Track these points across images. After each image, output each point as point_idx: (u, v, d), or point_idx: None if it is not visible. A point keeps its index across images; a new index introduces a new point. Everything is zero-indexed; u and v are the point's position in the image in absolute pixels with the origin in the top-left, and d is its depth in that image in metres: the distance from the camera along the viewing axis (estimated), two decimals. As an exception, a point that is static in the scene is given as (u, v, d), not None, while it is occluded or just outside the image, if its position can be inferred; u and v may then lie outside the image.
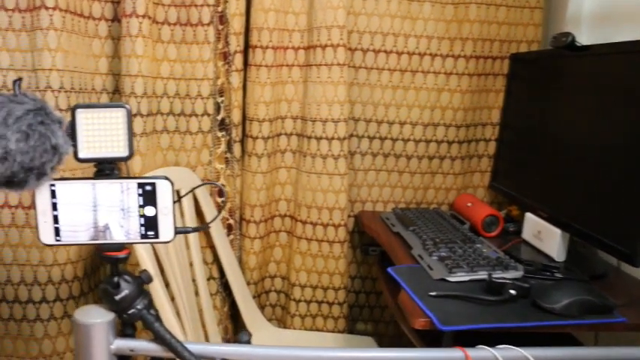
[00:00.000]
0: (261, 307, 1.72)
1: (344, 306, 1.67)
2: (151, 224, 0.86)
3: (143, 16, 1.38)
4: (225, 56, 1.50)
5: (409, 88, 1.62)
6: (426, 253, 1.32)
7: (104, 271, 1.58)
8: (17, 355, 1.46)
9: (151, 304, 0.91)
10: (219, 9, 1.48)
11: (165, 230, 0.87)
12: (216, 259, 1.59)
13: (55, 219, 0.84)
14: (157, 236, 0.87)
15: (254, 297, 1.67)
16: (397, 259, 1.33)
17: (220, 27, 1.49)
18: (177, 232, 0.88)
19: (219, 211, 0.89)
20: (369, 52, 1.59)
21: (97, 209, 0.85)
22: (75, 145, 0.82)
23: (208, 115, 1.52)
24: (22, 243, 1.41)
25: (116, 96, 1.49)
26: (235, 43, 1.49)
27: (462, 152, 1.68)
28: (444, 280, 1.19)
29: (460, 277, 1.19)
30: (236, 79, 1.51)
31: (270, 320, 1.73)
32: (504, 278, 1.14)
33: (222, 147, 1.55)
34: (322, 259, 1.62)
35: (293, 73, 1.57)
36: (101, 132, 0.83)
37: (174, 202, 0.87)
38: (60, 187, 0.83)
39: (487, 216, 1.51)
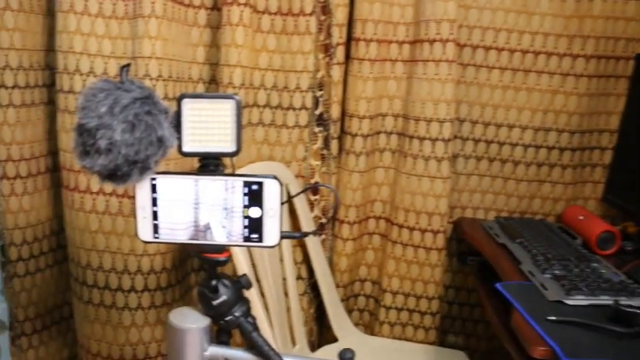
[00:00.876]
0: (349, 311, 1.63)
1: (436, 316, 1.55)
2: (255, 226, 0.78)
3: (244, 5, 1.31)
4: (327, 48, 1.41)
5: (521, 89, 1.48)
6: (538, 270, 1.18)
7: (191, 263, 1.52)
8: (106, 341, 1.43)
9: (249, 311, 0.84)
10: (323, -1, 1.39)
11: (271, 234, 0.78)
12: (306, 259, 1.50)
13: (155, 215, 0.78)
14: (260, 240, 0.79)
15: (342, 300, 1.58)
16: (504, 274, 1.20)
17: (322, 18, 1.40)
18: (284, 236, 0.80)
19: (333, 216, 0.80)
20: (479, 48, 1.46)
21: (198, 207, 0.77)
22: (179, 138, 0.74)
23: (306, 109, 1.43)
24: (115, 231, 1.38)
25: (212, 86, 1.43)
26: (338, 35, 1.39)
27: (574, 160, 1.52)
28: (560, 302, 1.06)
29: (579, 300, 1.06)
30: (337, 73, 1.42)
31: (356, 325, 1.64)
32: (631, 306, 0.99)
33: (319, 143, 1.46)
34: (417, 266, 1.51)
35: (396, 68, 1.46)
36: (208, 124, 0.76)
37: (282, 204, 0.78)
38: (161, 181, 0.76)
39: (603, 232, 1.36)
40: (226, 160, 0.79)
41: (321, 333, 1.62)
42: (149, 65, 1.26)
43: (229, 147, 0.76)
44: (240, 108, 0.75)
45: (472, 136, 1.51)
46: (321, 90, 1.43)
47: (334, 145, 1.47)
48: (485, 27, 1.45)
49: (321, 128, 1.45)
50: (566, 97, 1.47)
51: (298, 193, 0.85)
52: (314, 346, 1.58)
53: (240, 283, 0.83)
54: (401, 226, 1.50)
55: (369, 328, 1.64)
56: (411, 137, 1.45)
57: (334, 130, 1.45)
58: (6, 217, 1.44)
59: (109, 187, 0.65)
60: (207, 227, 0.78)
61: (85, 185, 1.35)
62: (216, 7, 1.38)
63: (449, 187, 1.46)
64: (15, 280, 1.49)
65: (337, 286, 1.56)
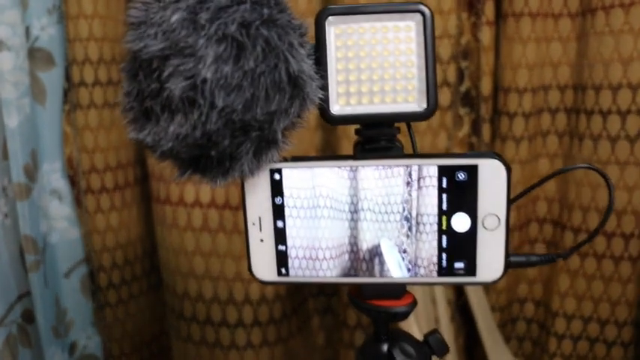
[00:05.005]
0: (506, 340, 1.21)
1: (629, 348, 1.10)
2: (460, 248, 0.40)
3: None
4: (471, 5, 1.01)
5: None
6: None
7: (308, 286, 1.16)
8: (212, 388, 1.09)
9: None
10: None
11: (489, 260, 0.40)
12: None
13: (280, 235, 0.41)
14: (470, 271, 0.40)
15: (498, 326, 1.17)
16: None
17: (463, -36, 1.00)
18: (513, 264, 0.41)
19: (605, 220, 0.43)
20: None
21: (358, 218, 0.40)
22: (324, 87, 0.37)
23: (448, 85, 1.03)
24: (216, 251, 1.04)
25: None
26: (487, -15, 0.99)
27: None
28: None
29: None
30: (487, 36, 1.01)
31: (515, 356, 1.22)
32: None
33: (466, 128, 1.06)
34: (601, 282, 1.07)
35: (561, 25, 1.04)
36: (373, 63, 0.38)
37: (510, 204, 0.40)
38: (291, 175, 0.39)
39: None
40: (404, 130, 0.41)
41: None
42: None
43: (414, 103, 0.38)
44: (432, 29, 0.37)
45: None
46: (466, 60, 1.03)
47: (486, 129, 1.05)
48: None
49: (467, 109, 1.05)
50: None
51: (540, 183, 0.46)
52: (464, 385, 1.18)
53: (427, 346, 0.45)
54: (577, 230, 1.07)
55: (532, 360, 1.21)
56: (590, 112, 1.02)
57: (485, 110, 1.04)
58: (93, 238, 1.13)
59: (196, 184, 0.33)
60: (375, 253, 0.40)
61: (177, 196, 1.02)
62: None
63: (647, 176, 1.02)
64: (107, 310, 1.18)
65: (493, 309, 1.14)
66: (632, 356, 1.11)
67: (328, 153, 1.05)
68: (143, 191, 1.17)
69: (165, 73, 0.31)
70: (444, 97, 1.03)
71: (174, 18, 0.31)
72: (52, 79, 1.10)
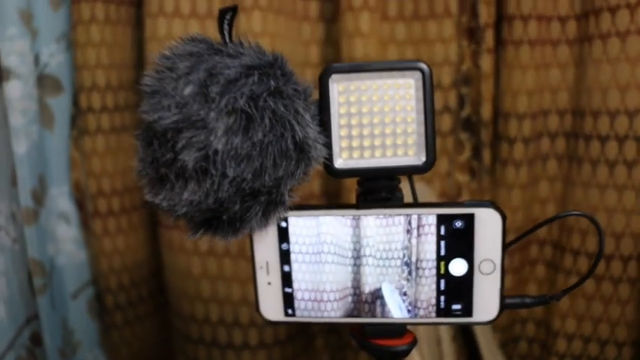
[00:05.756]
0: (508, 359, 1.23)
1: (628, 367, 1.13)
2: (457, 291, 0.42)
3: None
4: (472, 33, 1.04)
5: None
6: None
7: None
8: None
9: None
10: (464, -30, 1.02)
11: (485, 302, 0.42)
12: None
13: (286, 279, 0.43)
14: (467, 312, 0.42)
15: (500, 346, 1.18)
16: None
17: (464, -7, 1.03)
18: (508, 305, 0.43)
19: (598, 261, 0.45)
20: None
21: (360, 263, 0.42)
22: (327, 145, 0.40)
23: (449, 111, 1.06)
24: (222, 275, 1.06)
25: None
26: (486, 14, 1.02)
27: None
28: None
29: None
30: (487, 63, 1.03)
31: (516, 376, 1.24)
32: None
33: (467, 153, 1.08)
34: (600, 303, 1.09)
35: (559, 52, 1.07)
36: (374, 118, 0.41)
37: (506, 249, 0.42)
38: (297, 223, 0.42)
39: None
40: (404, 181, 0.44)
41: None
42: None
43: (414, 157, 0.40)
44: (430, 86, 0.39)
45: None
46: (466, 86, 1.06)
47: (486, 153, 1.08)
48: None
49: (468, 134, 1.08)
50: None
51: (532, 230, 0.48)
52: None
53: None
54: (577, 253, 1.09)
55: (534, 380, 1.23)
56: (588, 137, 1.04)
57: (486, 135, 1.06)
58: (100, 260, 1.16)
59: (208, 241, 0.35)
60: (377, 296, 0.43)
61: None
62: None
63: (645, 199, 1.05)
64: (113, 331, 1.20)
65: (494, 329, 1.16)
66: (632, 377, 1.13)
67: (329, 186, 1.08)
68: (149, 214, 1.19)
69: (179, 145, 0.34)
70: (445, 122, 1.06)
71: (187, 91, 0.33)
72: (60, 105, 1.13)
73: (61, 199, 1.17)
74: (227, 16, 0.36)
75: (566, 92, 1.07)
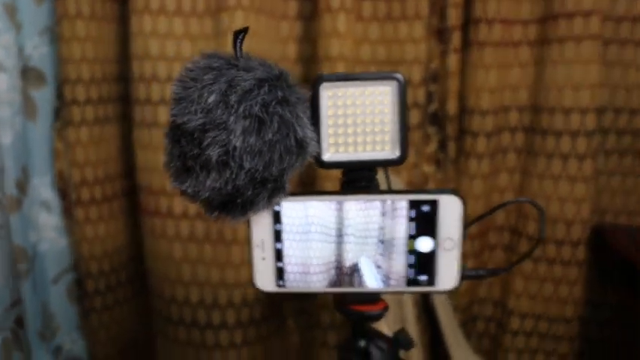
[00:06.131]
0: (467, 337, 1.32)
1: (575, 342, 1.23)
2: (423, 264, 0.50)
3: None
4: (441, 34, 1.12)
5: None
6: None
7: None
8: (196, 386, 1.18)
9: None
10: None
11: (447, 273, 0.50)
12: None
13: (278, 254, 0.51)
14: (431, 282, 0.51)
15: (459, 325, 1.28)
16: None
17: (434, -3, 1.11)
18: (465, 276, 0.52)
19: (536, 245, 0.53)
20: (624, 21, 1.14)
21: (342, 241, 0.50)
22: (318, 141, 0.48)
23: (418, 106, 1.14)
24: (202, 259, 1.13)
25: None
26: (454, 17, 1.10)
27: None
28: None
29: None
30: (454, 62, 1.12)
31: (475, 352, 1.33)
32: None
33: (434, 145, 1.17)
34: (551, 284, 1.20)
35: (520, 53, 1.16)
36: (357, 119, 0.48)
37: (465, 230, 0.50)
38: (288, 207, 0.49)
39: None
40: (379, 172, 0.51)
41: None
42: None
43: (390, 152, 0.48)
44: (404, 93, 0.47)
45: (615, 127, 1.18)
46: (435, 83, 1.14)
47: (452, 146, 1.17)
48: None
49: (435, 128, 1.16)
50: None
51: (488, 214, 0.56)
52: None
53: (397, 342, 0.56)
54: (531, 238, 1.19)
55: (491, 356, 1.33)
56: (544, 132, 1.14)
57: (451, 129, 1.15)
58: (81, 246, 1.21)
59: (220, 219, 0.41)
60: (356, 269, 0.51)
61: (166, 208, 1.11)
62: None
63: (592, 189, 1.15)
64: (92, 315, 1.26)
65: (455, 308, 1.26)
66: (577, 349, 1.24)
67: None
68: (130, 202, 1.24)
69: (205, 143, 0.42)
70: (414, 117, 1.14)
71: (211, 99, 0.41)
72: (43, 97, 1.17)
73: (43, 189, 1.21)
74: (240, 35, 0.43)
75: (526, 90, 1.17)
